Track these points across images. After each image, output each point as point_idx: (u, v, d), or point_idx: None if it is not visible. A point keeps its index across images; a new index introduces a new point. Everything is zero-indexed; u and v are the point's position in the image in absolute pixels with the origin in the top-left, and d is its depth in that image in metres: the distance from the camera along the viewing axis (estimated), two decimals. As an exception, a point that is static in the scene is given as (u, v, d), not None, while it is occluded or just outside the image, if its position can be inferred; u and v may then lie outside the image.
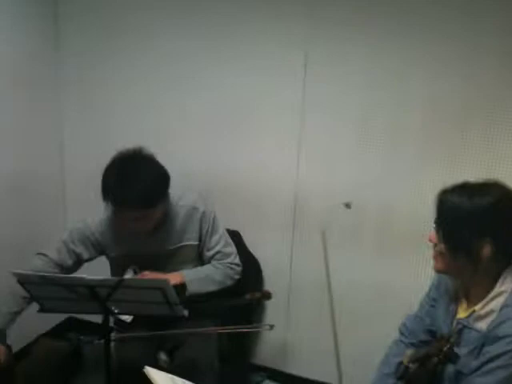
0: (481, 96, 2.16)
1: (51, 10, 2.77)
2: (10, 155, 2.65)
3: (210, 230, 2.22)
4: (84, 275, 1.73)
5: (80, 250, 2.15)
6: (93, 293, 1.74)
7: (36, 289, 1.79)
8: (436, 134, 2.26)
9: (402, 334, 1.88)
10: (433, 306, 1.76)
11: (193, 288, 2.13)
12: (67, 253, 2.14)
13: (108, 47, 2.77)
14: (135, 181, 1.95)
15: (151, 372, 1.34)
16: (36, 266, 2.08)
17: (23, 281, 1.75)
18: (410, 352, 1.74)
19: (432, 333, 1.77)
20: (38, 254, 2.14)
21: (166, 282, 1.73)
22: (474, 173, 2.18)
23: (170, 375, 1.38)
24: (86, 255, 2.18)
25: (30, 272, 1.75)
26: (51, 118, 2.91)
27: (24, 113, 2.72)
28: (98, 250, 2.20)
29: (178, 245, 2.21)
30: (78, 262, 2.18)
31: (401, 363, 1.76)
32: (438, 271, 1.62)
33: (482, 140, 2.20)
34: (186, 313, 1.90)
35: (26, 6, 2.62)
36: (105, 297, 1.76)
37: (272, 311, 2.73)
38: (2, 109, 2.56)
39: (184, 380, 1.39)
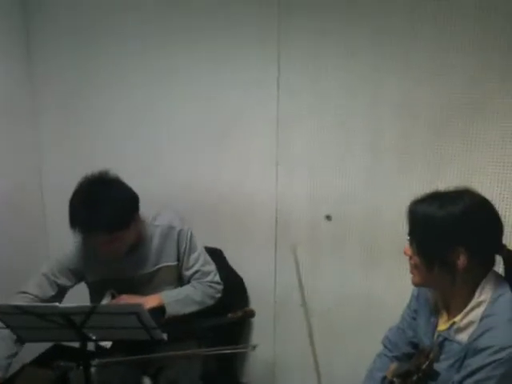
0: (459, 103, 2.15)
1: (24, 39, 2.79)
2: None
3: (187, 248, 2.19)
4: (56, 303, 1.70)
5: (62, 280, 2.12)
6: (68, 321, 1.70)
7: (11, 319, 1.75)
8: (415, 143, 2.25)
9: (385, 347, 1.86)
10: (414, 318, 1.74)
11: (172, 310, 2.10)
12: (49, 285, 2.10)
13: (85, 68, 2.77)
14: (102, 204, 1.91)
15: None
16: None
17: (-3, 311, 1.72)
18: (393, 366, 1.71)
19: (415, 345, 1.75)
20: (18, 292, 2.07)
21: (140, 306, 1.69)
22: (454, 180, 2.18)
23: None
24: (68, 284, 2.14)
25: (3, 303, 1.73)
26: (29, 143, 2.91)
27: (1, 137, 2.72)
28: (79, 276, 2.16)
29: (156, 266, 2.17)
30: (61, 292, 2.14)
31: (385, 378, 1.74)
32: (415, 285, 1.60)
33: (461, 147, 2.19)
34: (164, 336, 1.87)
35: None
36: (80, 324, 1.73)
37: (258, 329, 2.70)
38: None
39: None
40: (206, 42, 2.51)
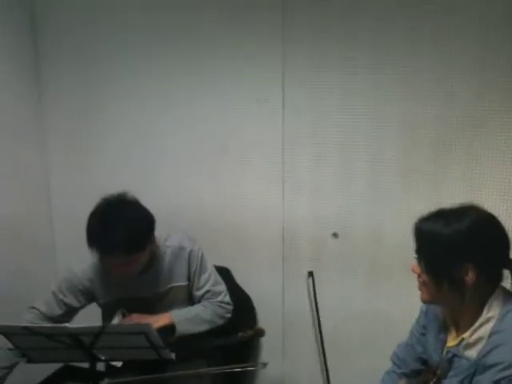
0: (461, 119, 2.17)
1: (33, 59, 2.82)
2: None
3: (198, 268, 2.20)
4: (66, 324, 1.72)
5: (69, 299, 2.13)
6: (77, 341, 1.72)
7: (21, 340, 1.77)
8: (417, 161, 2.27)
9: (393, 363, 1.86)
10: (423, 334, 1.74)
11: (182, 329, 2.10)
12: (57, 304, 2.12)
13: (90, 92, 2.80)
14: (120, 226, 1.93)
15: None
16: (27, 320, 2.06)
17: (7, 332, 1.73)
18: (401, 382, 1.72)
19: (424, 361, 1.74)
20: (29, 308, 2.12)
21: (148, 326, 1.71)
22: (457, 197, 2.19)
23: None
24: (76, 304, 2.15)
25: (12, 324, 1.74)
26: (37, 164, 2.93)
27: (9, 159, 2.73)
28: (88, 298, 2.17)
29: (168, 286, 2.18)
30: (69, 312, 2.15)
31: None
32: (424, 302, 1.60)
33: (464, 164, 2.20)
34: (173, 356, 1.87)
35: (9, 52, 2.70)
36: (89, 344, 1.74)
37: (267, 348, 2.69)
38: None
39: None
40: (208, 64, 2.54)
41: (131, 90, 2.71)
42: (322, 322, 2.54)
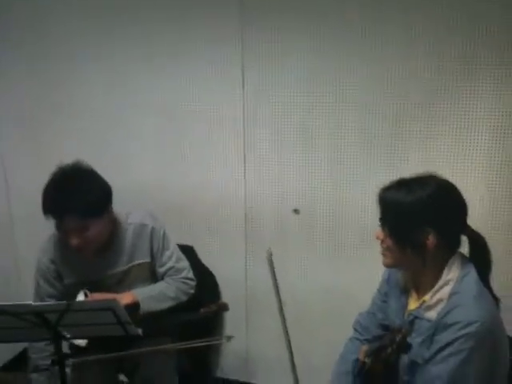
0: (417, 92, 2.22)
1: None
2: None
3: (160, 246, 2.20)
4: (30, 302, 1.70)
5: (50, 289, 2.13)
6: (42, 319, 1.70)
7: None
8: (375, 135, 2.32)
9: (355, 331, 1.92)
10: (384, 302, 1.80)
11: (146, 306, 2.10)
12: (48, 296, 2.13)
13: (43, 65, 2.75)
14: (75, 189, 1.94)
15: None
16: None
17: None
18: (365, 347, 1.77)
19: (385, 327, 1.80)
20: None
21: (115, 301, 1.69)
22: (415, 169, 2.25)
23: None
24: (55, 292, 2.14)
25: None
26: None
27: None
28: (60, 280, 2.15)
29: (130, 264, 2.17)
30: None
31: (357, 360, 1.79)
32: (387, 266, 1.66)
33: (420, 138, 2.26)
34: (140, 331, 1.88)
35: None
36: (55, 322, 1.72)
37: (231, 322, 2.73)
38: None
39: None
40: (170, 48, 2.52)
41: (89, 71, 2.67)
42: (284, 296, 2.59)
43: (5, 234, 2.97)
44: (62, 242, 2.11)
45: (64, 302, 1.70)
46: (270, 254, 1.24)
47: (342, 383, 1.83)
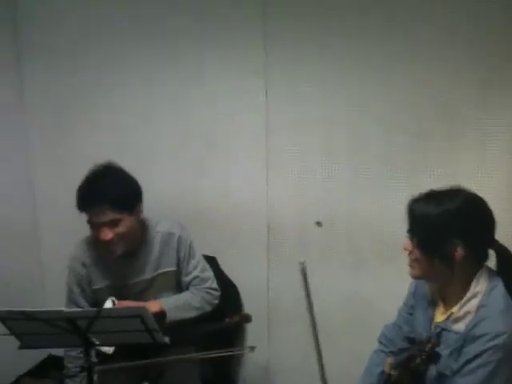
0: (438, 106, 2.23)
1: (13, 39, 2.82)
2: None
3: (187, 254, 2.24)
4: (62, 308, 1.74)
5: (82, 295, 2.19)
6: (72, 325, 1.73)
7: (16, 325, 1.78)
8: (398, 147, 2.32)
9: (381, 343, 1.93)
10: (410, 314, 1.81)
11: (173, 316, 2.14)
12: (84, 299, 2.19)
13: (75, 70, 2.79)
14: (107, 183, 2.05)
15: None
16: None
17: (4, 317, 1.73)
18: (390, 359, 1.78)
19: (411, 340, 1.81)
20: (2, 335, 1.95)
21: (144, 309, 1.73)
22: (436, 182, 2.27)
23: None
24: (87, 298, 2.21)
25: (9, 308, 1.75)
26: (19, 154, 2.92)
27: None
28: (89, 285, 2.21)
29: (156, 272, 2.22)
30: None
31: (382, 372, 1.80)
32: (415, 277, 1.68)
33: (442, 152, 2.26)
34: (167, 339, 1.91)
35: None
36: (85, 329, 1.76)
37: (253, 333, 2.73)
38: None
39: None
40: (193, 55, 2.56)
41: (110, 81, 2.73)
42: (305, 306, 2.61)
43: (30, 241, 3.02)
44: (91, 246, 2.18)
45: (94, 308, 1.74)
46: (304, 267, 1.27)
47: None
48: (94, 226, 2.08)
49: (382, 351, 1.90)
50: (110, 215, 2.02)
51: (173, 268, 2.24)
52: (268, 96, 2.49)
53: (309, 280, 2.52)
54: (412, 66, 2.23)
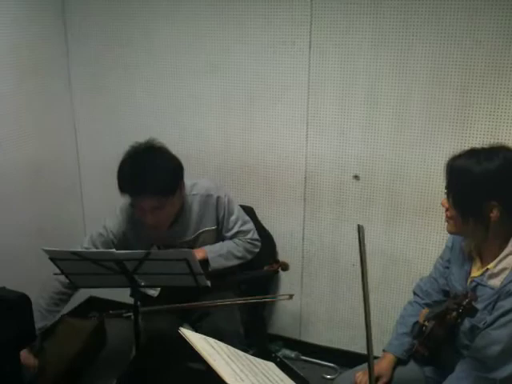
0: (484, 62, 2.21)
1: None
2: (26, 146, 2.74)
3: (226, 213, 2.29)
4: (113, 250, 1.82)
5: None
6: (121, 266, 1.83)
7: (67, 265, 1.87)
8: (441, 103, 2.32)
9: (416, 295, 1.98)
10: (447, 268, 1.85)
11: (215, 264, 2.22)
12: None
13: (118, 36, 2.81)
14: (150, 170, 2.02)
15: (186, 332, 1.42)
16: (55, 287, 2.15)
17: (55, 257, 1.82)
18: (425, 311, 1.83)
19: (446, 293, 1.86)
20: (55, 274, 1.98)
21: (190, 252, 1.81)
22: (479, 139, 2.28)
23: (203, 336, 1.47)
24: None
25: (61, 249, 1.83)
26: (64, 111, 2.98)
27: (35, 101, 2.77)
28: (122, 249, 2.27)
29: (197, 232, 2.28)
30: None
31: (416, 323, 1.85)
32: (450, 232, 1.71)
33: (486, 105, 2.25)
34: (208, 283, 1.98)
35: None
36: (132, 270, 1.84)
37: (287, 282, 2.82)
38: (14, 98, 2.64)
39: (215, 340, 1.48)
40: (235, 8, 2.54)
41: (158, 34, 2.72)
42: (341, 260, 2.67)
43: (74, 193, 3.13)
44: (131, 216, 2.22)
45: (143, 251, 1.81)
46: (363, 231, 1.32)
47: (401, 343, 1.90)
48: (137, 208, 2.11)
49: (417, 303, 1.95)
50: (153, 203, 2.03)
51: (213, 227, 2.30)
52: (311, 49, 2.47)
53: (337, 231, 2.59)
54: (465, 22, 2.20)
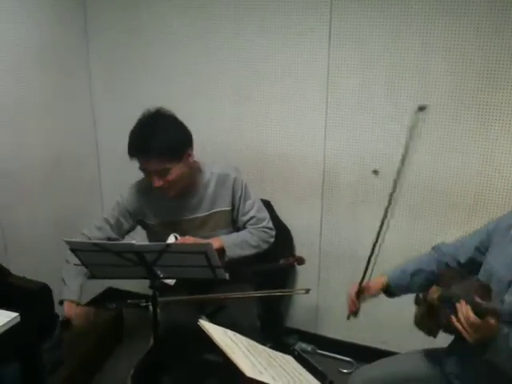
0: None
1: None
2: (45, 137, 2.78)
3: (243, 195, 2.31)
4: (133, 241, 1.83)
5: (121, 221, 2.27)
6: (140, 258, 1.83)
7: (87, 256, 1.88)
8: (465, 92, 2.30)
9: (434, 249, 1.97)
10: (477, 249, 1.81)
11: (231, 253, 2.23)
12: (110, 228, 2.26)
13: (136, 17, 2.83)
14: (156, 132, 2.09)
15: (205, 325, 1.44)
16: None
17: (76, 248, 1.84)
18: (434, 289, 1.74)
19: (460, 264, 1.83)
20: (81, 234, 2.24)
21: (210, 245, 1.80)
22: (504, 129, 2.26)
23: (223, 328, 1.48)
24: (126, 226, 2.30)
25: (81, 240, 1.85)
26: (82, 98, 3.02)
27: (55, 94, 2.81)
28: (136, 219, 2.31)
29: (212, 211, 2.30)
30: (120, 234, 2.30)
31: (433, 273, 1.86)
32: None
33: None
34: (227, 276, 1.99)
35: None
36: (152, 262, 1.85)
37: (303, 277, 2.82)
38: (33, 90, 2.67)
39: (234, 333, 1.49)
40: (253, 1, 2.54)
41: (176, 22, 2.75)
42: (360, 253, 2.65)
43: (94, 185, 3.19)
44: (145, 185, 2.26)
45: (163, 243, 1.82)
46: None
47: (401, 278, 1.95)
48: (145, 172, 2.17)
49: (434, 256, 1.93)
50: (159, 165, 2.09)
51: (228, 207, 2.32)
52: (331, 38, 2.46)
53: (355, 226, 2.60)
54: (488, 8, 2.17)
